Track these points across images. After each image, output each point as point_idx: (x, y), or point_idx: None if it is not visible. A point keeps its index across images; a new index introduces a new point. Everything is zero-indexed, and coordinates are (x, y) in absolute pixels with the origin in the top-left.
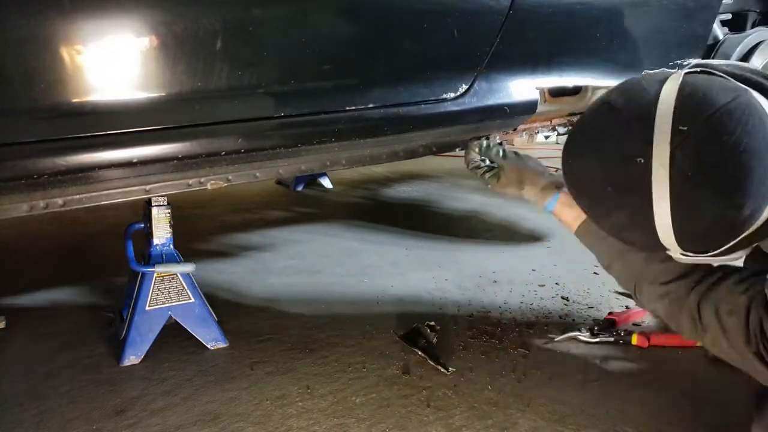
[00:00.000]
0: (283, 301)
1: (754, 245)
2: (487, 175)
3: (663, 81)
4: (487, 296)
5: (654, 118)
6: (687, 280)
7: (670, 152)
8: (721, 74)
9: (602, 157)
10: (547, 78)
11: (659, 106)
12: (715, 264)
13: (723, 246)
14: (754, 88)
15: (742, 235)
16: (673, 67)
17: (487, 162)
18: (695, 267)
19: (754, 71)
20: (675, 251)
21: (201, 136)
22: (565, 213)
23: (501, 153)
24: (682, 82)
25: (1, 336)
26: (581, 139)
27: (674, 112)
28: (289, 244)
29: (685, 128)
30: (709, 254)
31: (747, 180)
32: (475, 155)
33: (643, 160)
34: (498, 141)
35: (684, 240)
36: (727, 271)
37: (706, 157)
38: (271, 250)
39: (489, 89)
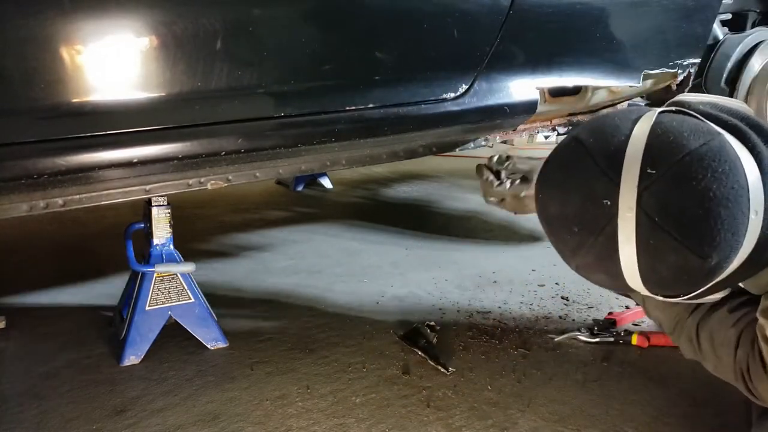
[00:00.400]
0: (283, 301)
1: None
2: (506, 187)
3: (636, 120)
4: (487, 296)
5: (623, 159)
6: (689, 303)
7: (637, 195)
8: (697, 115)
9: (569, 196)
10: (547, 78)
11: (629, 146)
12: (696, 302)
13: (691, 292)
14: (730, 132)
15: (711, 283)
16: (672, 67)
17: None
18: None
19: (731, 112)
20: (644, 293)
21: (201, 136)
22: None
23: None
24: (654, 122)
25: (1, 336)
26: (550, 175)
27: (644, 154)
28: (289, 244)
29: (654, 171)
30: (680, 299)
31: (714, 229)
32: (487, 180)
33: (609, 202)
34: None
35: (650, 285)
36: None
37: (672, 202)
38: (271, 250)
39: (489, 89)
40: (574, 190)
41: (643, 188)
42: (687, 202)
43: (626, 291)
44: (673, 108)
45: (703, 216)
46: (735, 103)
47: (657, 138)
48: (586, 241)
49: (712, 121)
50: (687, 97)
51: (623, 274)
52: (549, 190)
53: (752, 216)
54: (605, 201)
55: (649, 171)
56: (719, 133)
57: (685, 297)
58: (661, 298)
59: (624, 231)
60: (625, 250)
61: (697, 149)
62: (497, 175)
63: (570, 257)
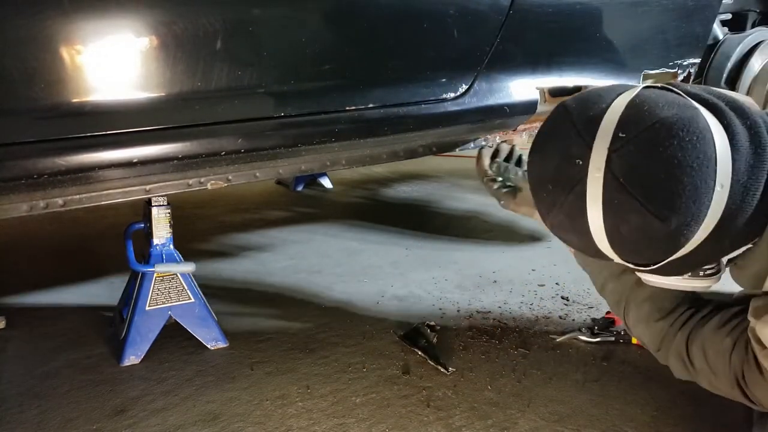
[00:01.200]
0: (283, 301)
1: (710, 272)
2: (503, 191)
3: (620, 93)
4: (487, 296)
5: (599, 124)
6: (674, 320)
7: (607, 156)
8: (678, 91)
9: (548, 155)
10: (547, 78)
11: (607, 113)
12: (685, 289)
13: (658, 260)
14: (708, 108)
15: (677, 254)
16: (672, 67)
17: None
18: (681, 303)
19: (713, 93)
20: (616, 259)
21: (201, 136)
22: None
23: (519, 174)
24: (636, 94)
25: (1, 336)
26: (537, 138)
27: (618, 120)
28: (289, 244)
29: (624, 135)
30: (651, 268)
31: (675, 194)
32: (488, 169)
33: (581, 162)
34: (515, 159)
35: (616, 246)
36: (712, 308)
37: (638, 164)
38: (271, 250)
39: (489, 89)
40: (552, 150)
41: (612, 150)
42: (651, 166)
43: (597, 256)
44: (658, 85)
45: (664, 180)
46: (725, 90)
47: (633, 107)
48: (558, 199)
49: (692, 98)
50: (673, 82)
51: (591, 233)
52: (534, 152)
53: (717, 188)
54: (578, 161)
55: (620, 135)
56: (695, 108)
57: (655, 266)
58: (641, 274)
59: (592, 190)
60: (593, 209)
61: (668, 117)
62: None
63: (545, 215)
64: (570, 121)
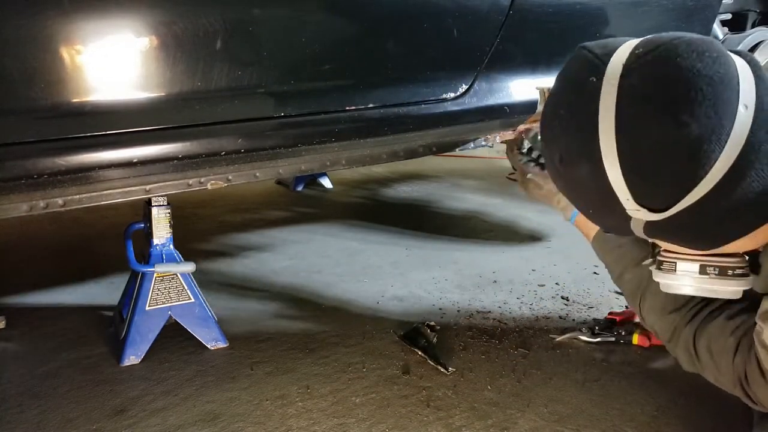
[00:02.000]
0: (283, 301)
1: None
2: (531, 164)
3: None
4: (487, 296)
5: (616, 50)
6: (686, 312)
7: (623, 69)
8: None
9: (562, 85)
10: (547, 78)
11: (625, 44)
12: (715, 296)
13: (677, 200)
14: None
15: (695, 193)
16: None
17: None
18: (693, 297)
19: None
20: (629, 205)
21: (201, 136)
22: (585, 224)
23: None
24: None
25: (1, 336)
26: (555, 82)
27: (636, 44)
28: (289, 244)
29: (641, 50)
30: (666, 215)
31: (694, 100)
32: (515, 152)
33: (596, 79)
34: None
35: (630, 173)
36: (723, 302)
37: (655, 72)
38: (271, 250)
39: (489, 89)
40: (567, 78)
41: (629, 63)
42: (670, 73)
43: (607, 202)
44: None
45: (683, 84)
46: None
47: (650, 37)
48: (570, 124)
49: None
50: None
51: (602, 159)
52: (552, 92)
53: (741, 109)
54: (591, 78)
55: (637, 52)
56: (721, 45)
57: (671, 214)
58: (660, 277)
59: (605, 103)
60: (605, 124)
61: (690, 37)
62: (528, 150)
63: (554, 155)
64: (587, 51)
